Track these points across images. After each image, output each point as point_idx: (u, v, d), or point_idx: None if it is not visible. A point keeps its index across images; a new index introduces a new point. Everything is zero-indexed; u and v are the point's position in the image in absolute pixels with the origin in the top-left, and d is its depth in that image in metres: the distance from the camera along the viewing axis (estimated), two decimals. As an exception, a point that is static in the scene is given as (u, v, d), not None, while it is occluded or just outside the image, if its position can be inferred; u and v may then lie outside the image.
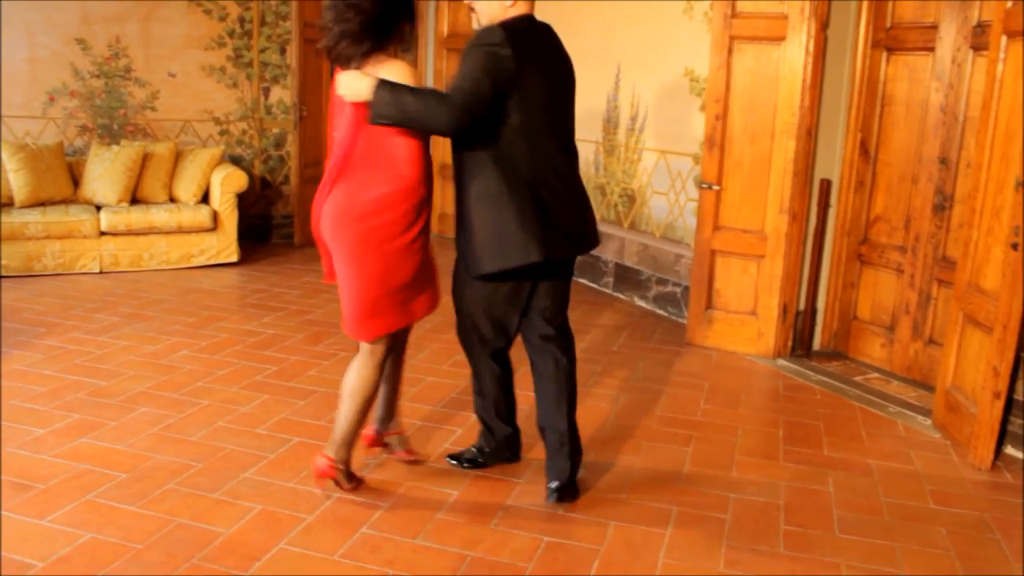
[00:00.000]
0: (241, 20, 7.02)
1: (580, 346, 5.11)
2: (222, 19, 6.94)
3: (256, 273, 6.41)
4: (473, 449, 3.51)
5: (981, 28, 4.18)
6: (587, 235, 3.29)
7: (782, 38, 4.63)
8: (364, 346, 3.11)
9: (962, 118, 4.30)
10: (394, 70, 2.93)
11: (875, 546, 3.05)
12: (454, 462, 3.49)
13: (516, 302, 3.24)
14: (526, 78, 2.99)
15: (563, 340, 3.33)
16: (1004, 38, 3.63)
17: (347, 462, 3.17)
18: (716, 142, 4.92)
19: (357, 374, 3.12)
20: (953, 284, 4.37)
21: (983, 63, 4.18)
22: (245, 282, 6.13)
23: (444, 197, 8.18)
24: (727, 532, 3.10)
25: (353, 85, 2.92)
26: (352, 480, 3.21)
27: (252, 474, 3.32)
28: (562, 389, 3.30)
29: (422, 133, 3.00)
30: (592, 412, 4.13)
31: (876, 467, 3.70)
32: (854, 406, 4.37)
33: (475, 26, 3.14)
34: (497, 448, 3.50)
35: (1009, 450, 3.84)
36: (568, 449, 3.29)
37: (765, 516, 3.23)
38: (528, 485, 3.36)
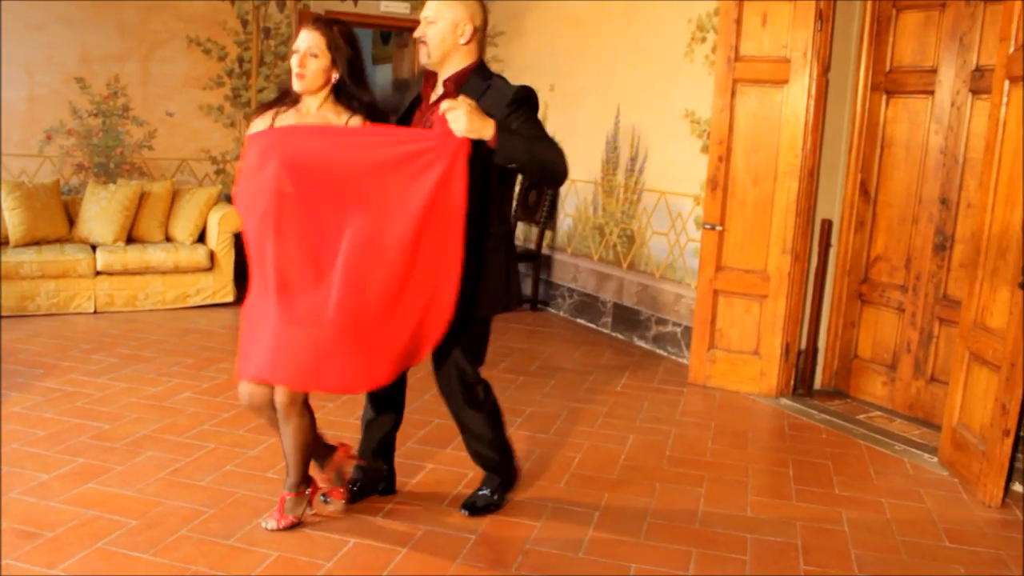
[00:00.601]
0: (240, 60, 7.05)
1: (583, 387, 5.13)
2: (221, 59, 6.97)
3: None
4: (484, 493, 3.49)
5: (980, 72, 4.28)
6: None
7: (785, 81, 4.71)
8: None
9: (962, 160, 4.38)
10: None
11: (896, 587, 3.05)
12: (467, 512, 3.43)
13: None
14: None
15: None
16: (1007, 83, 3.71)
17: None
18: (719, 183, 4.97)
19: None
20: (955, 323, 4.43)
21: (982, 106, 4.27)
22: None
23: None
24: (749, 572, 3.08)
25: (476, 121, 2.70)
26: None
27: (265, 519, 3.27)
28: None
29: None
30: (602, 453, 4.11)
31: (888, 506, 3.70)
32: (860, 445, 4.38)
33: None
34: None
35: (1017, 487, 3.86)
36: None
37: (784, 557, 3.22)
38: (545, 528, 3.33)
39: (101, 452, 3.78)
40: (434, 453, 4.00)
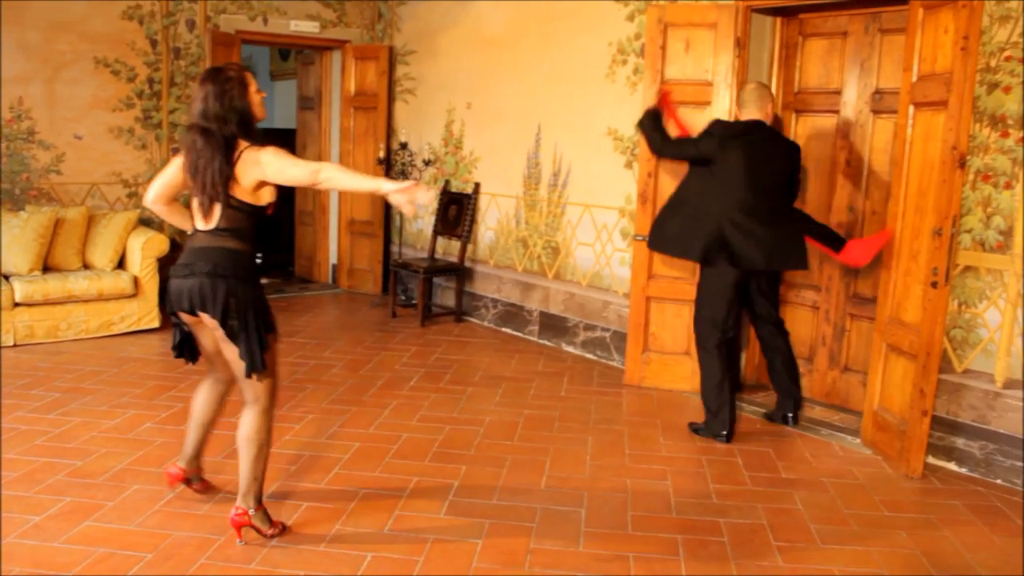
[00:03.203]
0: (150, 81, 6.91)
1: (530, 394, 5.40)
2: (130, 80, 6.82)
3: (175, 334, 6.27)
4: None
5: (880, 95, 4.84)
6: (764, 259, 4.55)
7: (708, 103, 5.14)
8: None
9: (866, 172, 4.93)
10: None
11: (855, 552, 3.47)
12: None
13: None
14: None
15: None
16: (912, 107, 4.25)
17: (260, 507, 3.40)
18: (648, 197, 5.35)
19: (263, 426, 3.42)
20: (864, 318, 4.98)
21: (883, 124, 4.84)
22: (174, 348, 5.98)
23: (353, 252, 8.27)
24: (730, 552, 3.43)
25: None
26: (271, 525, 3.42)
27: (277, 542, 3.35)
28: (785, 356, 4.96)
29: None
30: (569, 456, 4.39)
31: (829, 484, 4.16)
32: (791, 431, 4.85)
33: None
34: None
35: (931, 460, 4.41)
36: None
37: (756, 536, 3.60)
38: (541, 528, 3.57)
39: (85, 489, 3.75)
40: (415, 467, 4.16)
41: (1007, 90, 4.07)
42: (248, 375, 3.27)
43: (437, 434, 4.62)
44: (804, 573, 3.29)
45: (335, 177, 3.23)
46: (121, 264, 6.40)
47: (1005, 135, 4.09)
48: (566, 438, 4.65)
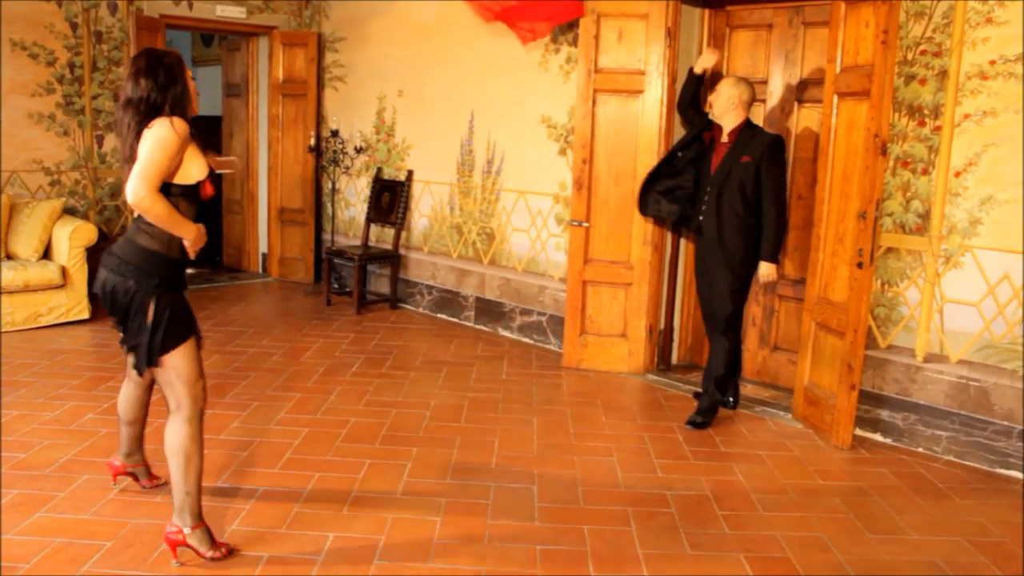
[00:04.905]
0: (71, 65, 6.69)
1: (472, 377, 5.49)
2: (50, 64, 6.58)
3: (114, 330, 6.12)
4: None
5: (804, 84, 5.08)
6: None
7: (640, 91, 5.30)
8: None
9: (792, 159, 5.17)
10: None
11: (795, 518, 3.68)
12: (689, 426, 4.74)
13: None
14: None
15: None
16: (836, 97, 4.49)
17: (199, 525, 3.11)
18: (584, 183, 5.49)
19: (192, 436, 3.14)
20: (792, 298, 5.23)
21: (806, 113, 5.08)
22: (108, 339, 5.83)
23: (284, 241, 8.20)
24: (679, 522, 3.60)
25: None
26: (213, 547, 3.13)
27: (238, 526, 3.37)
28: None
29: None
30: (516, 435, 4.50)
31: (766, 456, 4.37)
32: (726, 409, 5.08)
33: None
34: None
35: (858, 431, 4.67)
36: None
37: (701, 506, 3.77)
38: (497, 504, 3.68)
39: (33, 481, 3.68)
40: (368, 450, 4.21)
41: (923, 82, 4.34)
42: (139, 372, 3.14)
43: (384, 418, 4.67)
44: (749, 538, 3.48)
45: (151, 214, 2.99)
46: (47, 254, 6.21)
47: (922, 124, 4.36)
48: (511, 419, 4.75)
